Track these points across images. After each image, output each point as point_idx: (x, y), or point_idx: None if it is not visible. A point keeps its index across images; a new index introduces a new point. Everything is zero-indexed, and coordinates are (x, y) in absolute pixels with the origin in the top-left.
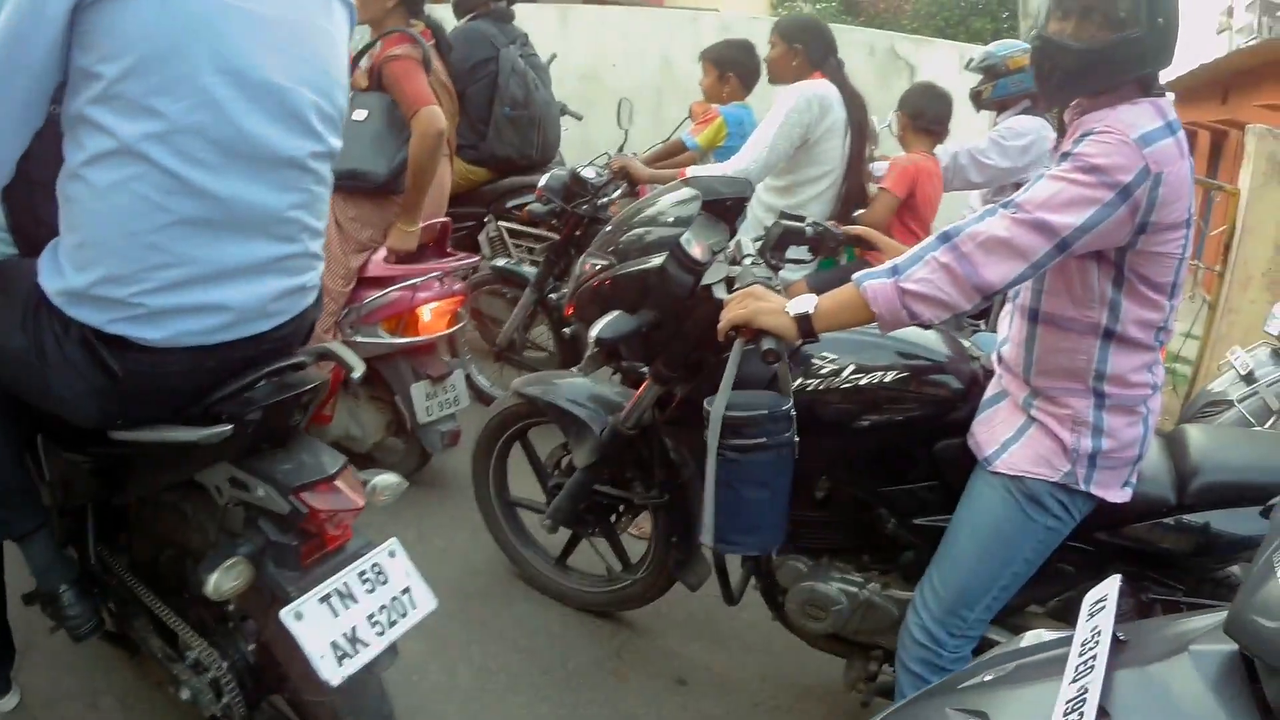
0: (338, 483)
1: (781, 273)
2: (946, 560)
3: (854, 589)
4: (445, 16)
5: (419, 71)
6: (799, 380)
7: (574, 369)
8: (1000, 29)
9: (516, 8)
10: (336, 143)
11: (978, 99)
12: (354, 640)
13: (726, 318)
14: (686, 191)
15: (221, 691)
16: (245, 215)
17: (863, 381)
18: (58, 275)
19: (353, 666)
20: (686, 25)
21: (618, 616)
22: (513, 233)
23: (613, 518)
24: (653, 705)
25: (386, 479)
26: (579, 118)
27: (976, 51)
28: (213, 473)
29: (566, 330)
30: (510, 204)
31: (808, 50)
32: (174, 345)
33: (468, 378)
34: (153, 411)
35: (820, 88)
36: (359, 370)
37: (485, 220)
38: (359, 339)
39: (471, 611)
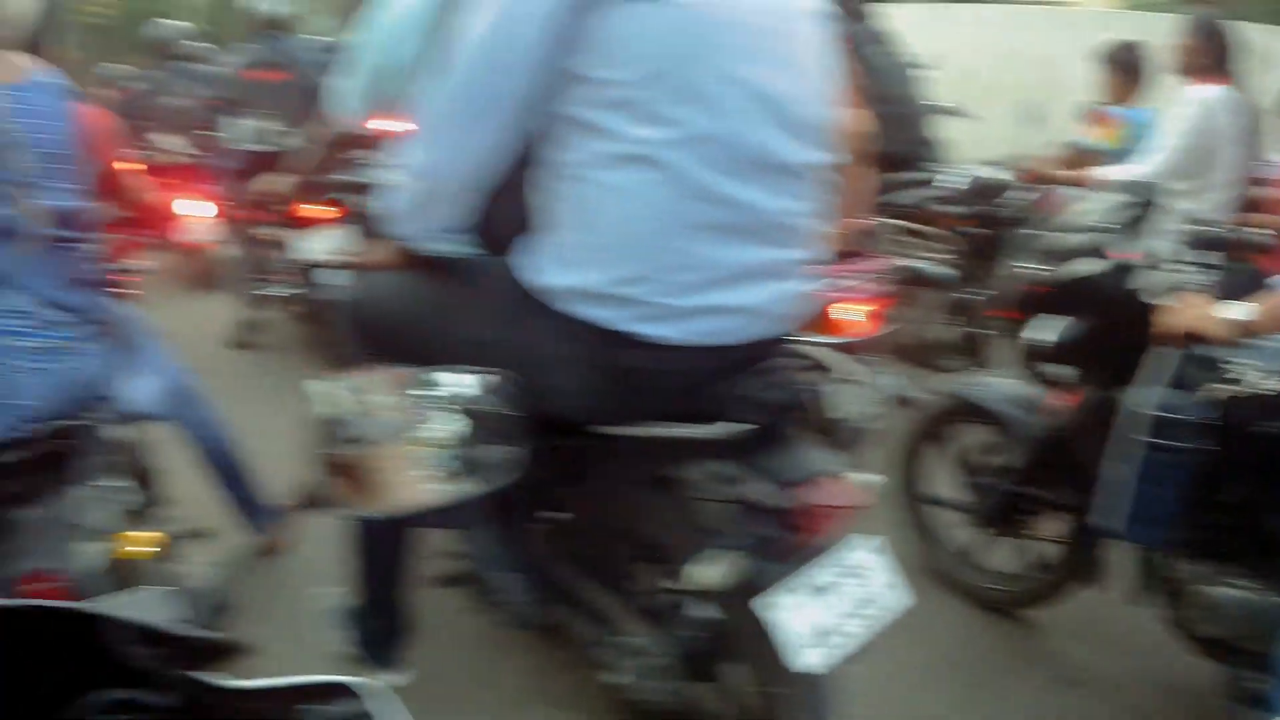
0: (831, 480)
1: (1195, 277)
2: None
3: (1248, 595)
4: None
5: None
6: (1216, 386)
7: (992, 370)
8: None
9: (890, 6)
10: (830, 154)
11: None
12: (830, 633)
13: (1166, 321)
14: (1111, 196)
15: (658, 677)
16: (754, 220)
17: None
18: (558, 273)
19: (827, 657)
20: (1062, 22)
21: (1016, 615)
22: (900, 230)
23: (1024, 517)
24: (1042, 705)
25: (867, 477)
26: (966, 116)
27: None
28: (700, 467)
29: (978, 334)
30: (890, 201)
31: (1212, 52)
32: (682, 344)
33: (886, 377)
34: (650, 407)
35: (1221, 92)
36: (847, 377)
37: (869, 219)
38: None
39: None
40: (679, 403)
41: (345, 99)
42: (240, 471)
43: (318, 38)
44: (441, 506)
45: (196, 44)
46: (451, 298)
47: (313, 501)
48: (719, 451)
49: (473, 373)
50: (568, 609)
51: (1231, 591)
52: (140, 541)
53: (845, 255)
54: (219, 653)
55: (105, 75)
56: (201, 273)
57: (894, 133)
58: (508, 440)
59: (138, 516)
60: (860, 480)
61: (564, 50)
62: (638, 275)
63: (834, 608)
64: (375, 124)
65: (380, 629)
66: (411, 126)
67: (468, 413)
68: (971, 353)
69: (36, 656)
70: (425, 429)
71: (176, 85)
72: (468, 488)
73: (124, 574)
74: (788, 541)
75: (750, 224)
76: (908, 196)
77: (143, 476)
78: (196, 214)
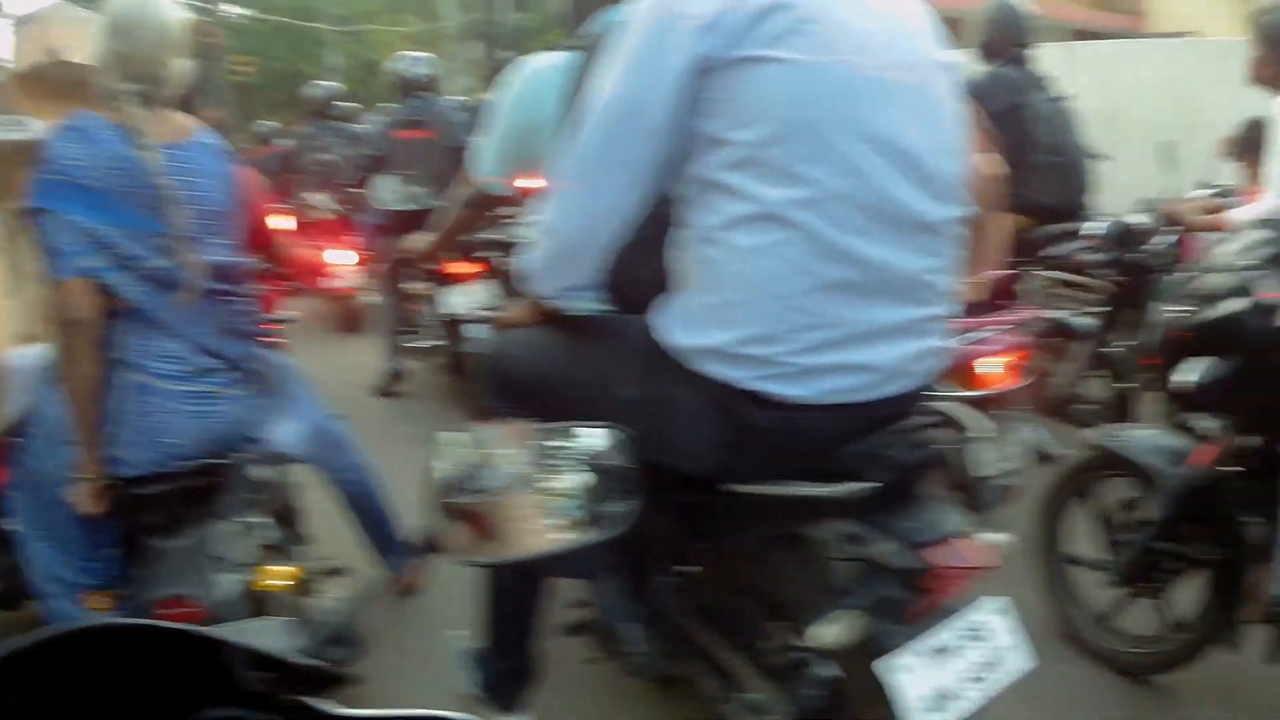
0: (961, 541)
1: None
2: None
3: None
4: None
5: None
6: None
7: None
8: None
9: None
10: (965, 209)
11: None
12: (950, 696)
13: None
14: (1262, 233)
15: None
16: (888, 279)
17: None
18: (690, 332)
19: None
20: (1197, 55)
21: (1149, 680)
22: (1055, 282)
23: (1164, 575)
24: None
25: (997, 537)
26: (1105, 159)
27: None
28: (826, 526)
29: (1124, 385)
30: (1051, 252)
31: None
32: (814, 403)
33: (1026, 431)
34: (779, 466)
35: None
36: (982, 434)
37: (1026, 270)
38: None
39: None
40: (810, 461)
41: (484, 159)
42: (381, 514)
43: (460, 98)
44: (565, 555)
45: (346, 104)
46: (587, 355)
47: (432, 546)
48: (848, 511)
49: (596, 427)
50: (692, 662)
51: None
52: (277, 575)
53: (985, 307)
54: (324, 682)
55: (260, 132)
56: (347, 319)
57: (1059, 182)
58: (628, 493)
59: (277, 552)
60: (990, 540)
61: (693, 112)
62: (768, 334)
63: (955, 670)
64: (515, 183)
65: (506, 673)
66: (547, 186)
67: (590, 465)
68: (1118, 405)
69: (159, 673)
70: (547, 479)
71: (327, 143)
72: (587, 537)
73: (259, 605)
74: (914, 603)
75: (882, 282)
76: (1065, 246)
77: (285, 514)
78: (342, 263)
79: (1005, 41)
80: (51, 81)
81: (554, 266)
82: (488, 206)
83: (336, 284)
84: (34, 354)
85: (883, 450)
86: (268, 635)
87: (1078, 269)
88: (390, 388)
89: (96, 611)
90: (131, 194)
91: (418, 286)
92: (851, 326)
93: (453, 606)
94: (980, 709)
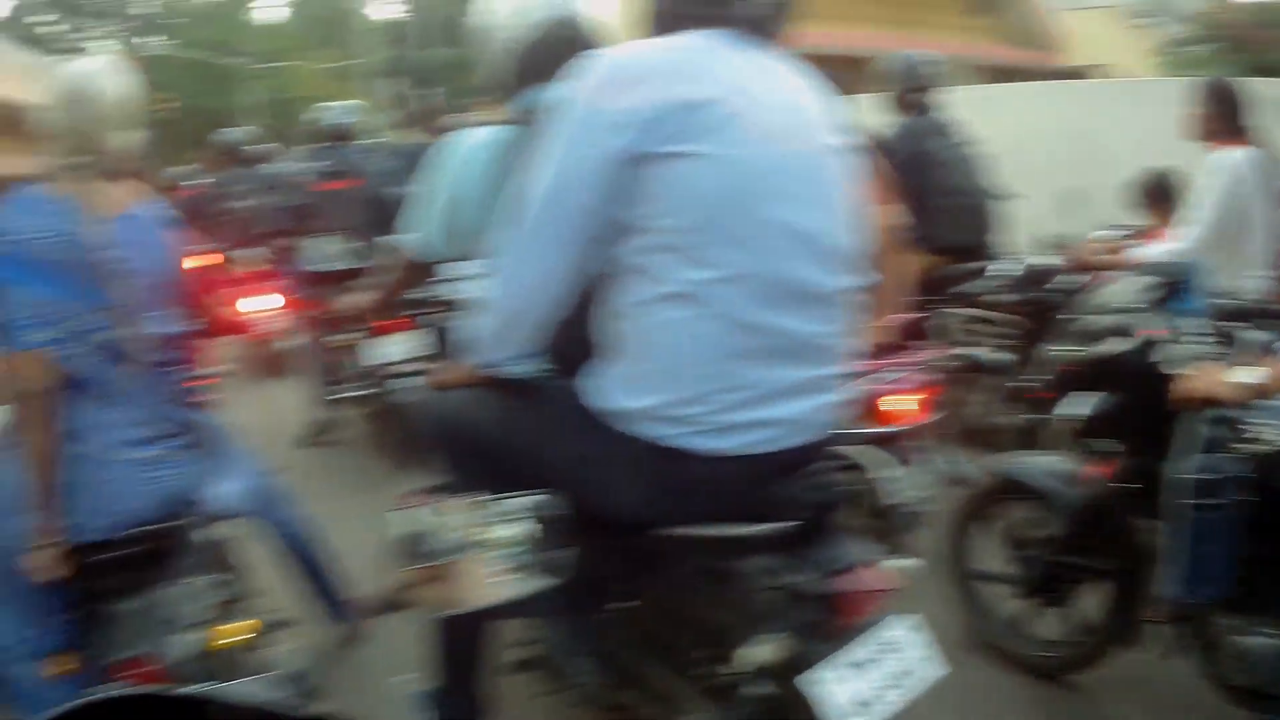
0: (870, 569)
1: (1210, 347)
2: None
3: (1277, 643)
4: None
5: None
6: (1240, 446)
7: (1045, 448)
8: None
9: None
10: (863, 278)
11: None
12: (869, 704)
13: (1188, 389)
14: (1150, 277)
15: None
16: (791, 344)
17: None
18: (620, 396)
19: None
20: (1101, 97)
21: (1063, 681)
22: (966, 319)
23: (1068, 585)
24: None
25: (903, 562)
26: (1005, 199)
27: None
28: (750, 561)
29: (1032, 416)
30: (956, 291)
31: (1223, 114)
32: (732, 455)
33: (938, 461)
34: (704, 510)
35: (1244, 153)
36: (884, 471)
37: (937, 308)
38: None
39: None
40: (732, 505)
41: (421, 230)
42: (320, 565)
43: (383, 138)
44: (515, 600)
45: (260, 146)
46: (524, 417)
47: (393, 605)
48: (768, 547)
49: (533, 490)
50: (635, 691)
51: (1263, 641)
52: (230, 633)
53: (895, 347)
54: None
55: (169, 178)
56: (268, 365)
57: (959, 223)
58: (566, 543)
59: (227, 609)
60: (896, 565)
61: (616, 202)
62: (691, 397)
63: (872, 681)
64: (446, 253)
65: (458, 712)
66: (483, 259)
67: (532, 520)
68: (1029, 433)
69: None
70: (495, 536)
71: (242, 190)
72: (535, 584)
73: (215, 663)
74: (830, 623)
75: (786, 347)
76: (974, 285)
77: (231, 571)
78: (266, 308)
79: (905, 94)
80: None
81: (498, 338)
82: (422, 273)
83: (261, 329)
84: None
85: (795, 493)
86: (256, 693)
87: (986, 306)
88: (318, 438)
89: (59, 674)
90: (79, 267)
91: (346, 338)
92: (761, 387)
93: (403, 650)
94: (898, 713)
